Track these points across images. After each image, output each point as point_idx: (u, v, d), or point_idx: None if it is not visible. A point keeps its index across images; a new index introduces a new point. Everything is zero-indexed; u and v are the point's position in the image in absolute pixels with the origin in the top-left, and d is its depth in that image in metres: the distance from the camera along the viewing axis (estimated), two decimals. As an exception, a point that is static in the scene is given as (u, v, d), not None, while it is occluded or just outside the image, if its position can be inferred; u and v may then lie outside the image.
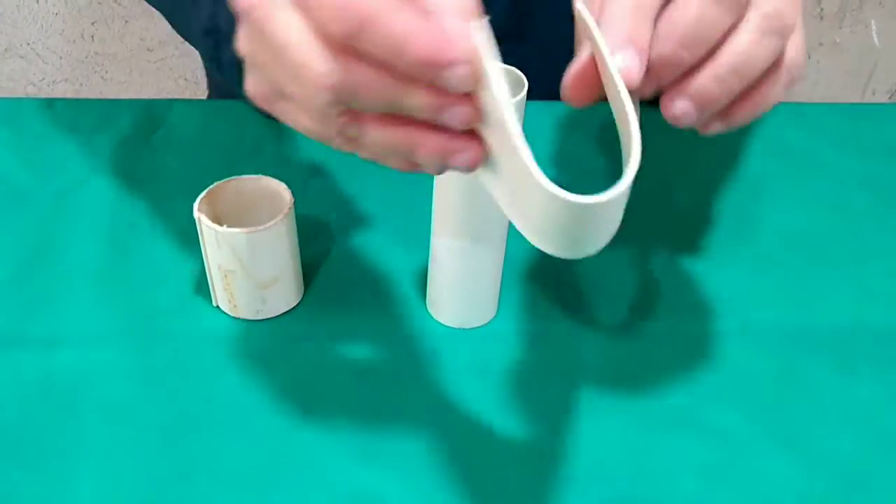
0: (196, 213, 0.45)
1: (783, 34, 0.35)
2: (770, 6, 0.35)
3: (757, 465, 0.43)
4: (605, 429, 0.44)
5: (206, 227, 0.45)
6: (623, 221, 0.50)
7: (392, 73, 0.30)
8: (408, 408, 0.45)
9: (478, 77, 0.30)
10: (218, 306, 0.49)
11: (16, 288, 0.50)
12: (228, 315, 0.49)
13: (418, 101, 0.31)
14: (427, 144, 0.32)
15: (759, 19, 0.35)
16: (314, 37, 0.31)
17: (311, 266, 0.52)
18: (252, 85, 0.36)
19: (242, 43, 0.35)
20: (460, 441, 0.43)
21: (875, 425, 0.45)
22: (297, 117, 0.34)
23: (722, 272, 0.53)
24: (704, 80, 0.34)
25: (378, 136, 0.33)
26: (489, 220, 0.44)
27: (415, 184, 0.57)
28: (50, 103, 0.64)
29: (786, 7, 0.35)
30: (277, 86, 0.34)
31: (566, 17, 0.67)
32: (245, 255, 0.46)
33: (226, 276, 0.47)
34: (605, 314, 0.50)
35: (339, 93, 0.31)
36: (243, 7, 0.34)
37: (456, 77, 0.30)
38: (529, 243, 0.54)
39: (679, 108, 0.35)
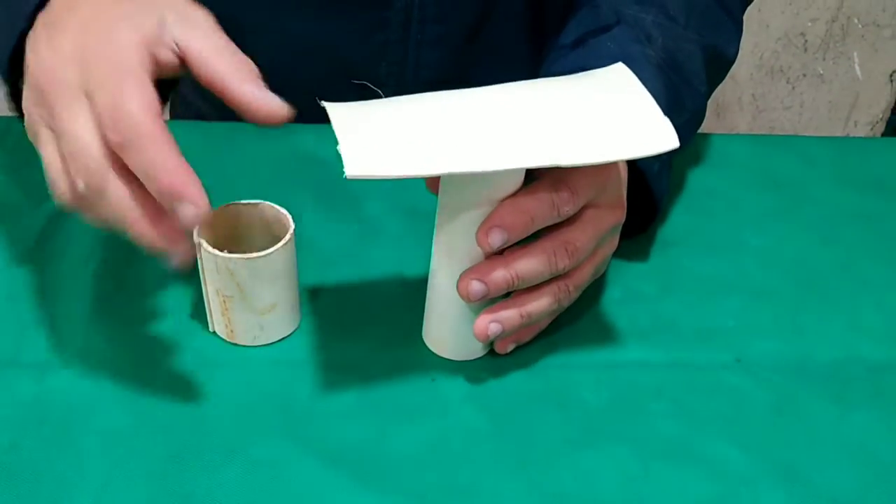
0: (196, 239, 0.45)
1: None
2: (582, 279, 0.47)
3: (752, 497, 0.43)
4: (600, 459, 0.44)
5: (205, 252, 0.45)
6: (617, 252, 0.50)
7: (140, 194, 0.39)
8: (405, 437, 0.45)
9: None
10: (214, 332, 0.49)
11: (9, 311, 0.50)
12: (225, 341, 0.49)
13: (147, 240, 0.40)
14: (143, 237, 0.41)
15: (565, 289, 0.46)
16: (94, 129, 0.39)
17: (308, 293, 0.52)
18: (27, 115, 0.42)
19: (28, 103, 0.42)
20: (457, 472, 0.43)
21: (869, 457, 0.45)
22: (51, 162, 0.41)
23: (716, 304, 0.53)
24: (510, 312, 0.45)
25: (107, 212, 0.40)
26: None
27: (413, 212, 0.57)
28: (42, 123, 0.64)
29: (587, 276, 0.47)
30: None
31: (511, 65, 0.70)
32: (245, 281, 0.45)
33: (224, 301, 0.47)
34: (601, 345, 0.50)
35: (87, 197, 0.40)
36: (37, 79, 0.41)
37: (187, 212, 0.38)
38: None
39: (492, 328, 0.45)
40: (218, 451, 0.43)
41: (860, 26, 1.37)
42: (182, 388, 0.46)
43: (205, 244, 0.45)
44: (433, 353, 0.49)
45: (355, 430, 0.45)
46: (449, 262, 0.45)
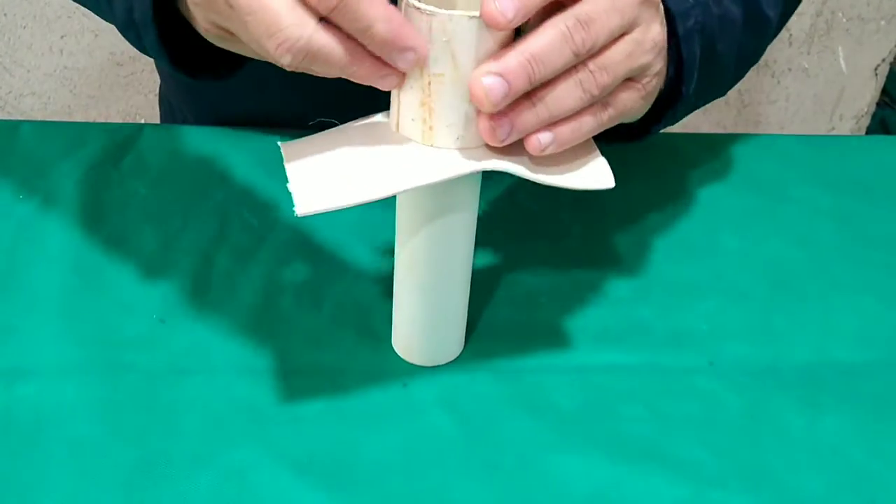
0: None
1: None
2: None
3: (723, 500, 0.43)
4: (572, 463, 0.44)
5: (414, 12, 0.37)
6: (591, 254, 0.50)
7: (353, 43, 0.37)
8: (376, 443, 0.45)
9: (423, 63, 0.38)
10: (399, 132, 0.41)
11: (-22, 317, 0.49)
12: (196, 351, 0.48)
13: (365, 70, 0.38)
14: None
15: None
16: (288, 3, 0.37)
17: (278, 297, 0.52)
18: (204, 24, 0.44)
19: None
20: (428, 478, 0.43)
21: (841, 462, 0.45)
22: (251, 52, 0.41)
23: (689, 307, 0.53)
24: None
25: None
26: (452, 258, 0.44)
27: (388, 215, 0.57)
28: (15, 126, 0.63)
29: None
30: (237, 30, 0.41)
31: None
32: (464, 51, 0.37)
33: (429, 84, 0.38)
34: (573, 348, 0.50)
35: (303, 56, 0.37)
36: None
37: (405, 60, 0.37)
38: (495, 277, 0.54)
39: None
40: (188, 460, 0.43)
41: (844, 20, 1.37)
42: (152, 396, 0.46)
43: (416, 3, 0.37)
44: (401, 361, 0.49)
45: (326, 436, 0.45)
46: (410, 273, 0.45)
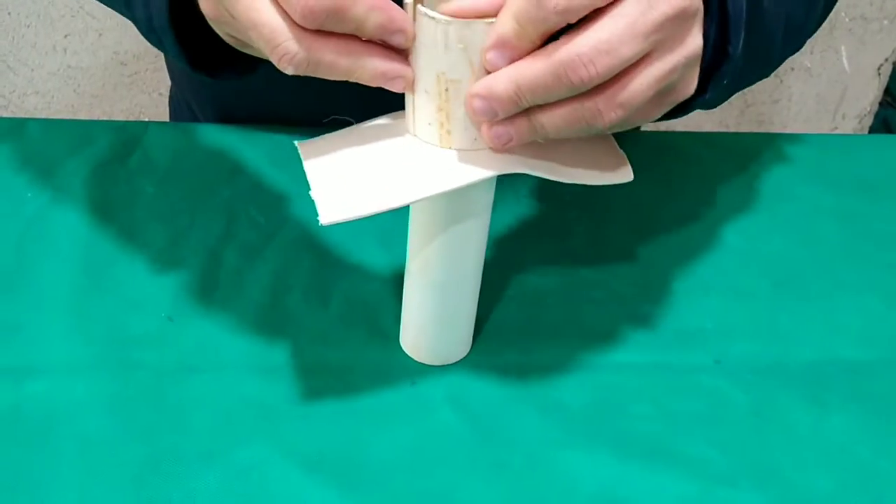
0: (420, 9, 0.37)
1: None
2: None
3: (731, 498, 0.43)
4: (580, 461, 0.44)
5: (431, 22, 0.37)
6: (597, 253, 0.50)
7: (348, 41, 0.38)
8: (385, 441, 0.45)
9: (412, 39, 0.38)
10: (416, 136, 0.41)
11: (-13, 315, 0.50)
12: (200, 348, 0.48)
13: (368, 74, 0.39)
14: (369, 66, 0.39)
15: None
16: (284, 17, 0.38)
17: (286, 296, 0.52)
18: (221, 34, 0.47)
19: (208, 8, 0.44)
20: (437, 476, 0.43)
21: (847, 459, 0.45)
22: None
23: (694, 305, 0.54)
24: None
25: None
26: (465, 259, 0.45)
27: (396, 213, 0.57)
28: (22, 124, 0.64)
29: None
30: (246, 41, 0.43)
31: None
32: (480, 56, 0.37)
33: (446, 90, 0.38)
34: (580, 347, 0.50)
35: (305, 65, 0.38)
36: None
37: (396, 41, 0.38)
38: (503, 276, 0.54)
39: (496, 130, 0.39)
40: (196, 457, 0.43)
41: (847, 20, 1.37)
42: (161, 394, 0.46)
43: (430, 12, 0.37)
44: (409, 360, 0.49)
45: (335, 434, 0.45)
46: (423, 273, 0.45)
